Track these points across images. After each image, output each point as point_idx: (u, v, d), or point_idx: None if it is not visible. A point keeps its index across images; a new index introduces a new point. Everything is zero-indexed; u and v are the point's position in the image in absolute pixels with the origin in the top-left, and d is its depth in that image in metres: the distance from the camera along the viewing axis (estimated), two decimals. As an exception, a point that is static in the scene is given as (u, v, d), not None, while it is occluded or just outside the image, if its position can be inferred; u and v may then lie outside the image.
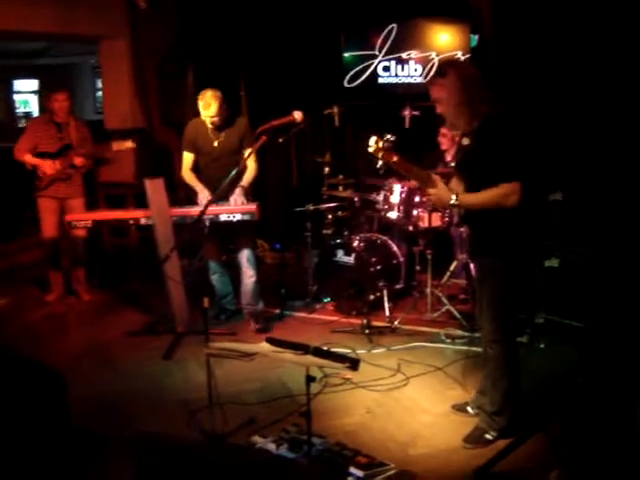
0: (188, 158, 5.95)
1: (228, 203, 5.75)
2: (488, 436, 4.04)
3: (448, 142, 6.46)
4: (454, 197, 3.87)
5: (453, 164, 4.20)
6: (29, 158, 6.50)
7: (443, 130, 6.46)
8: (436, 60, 7.53)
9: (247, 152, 5.64)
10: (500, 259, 3.89)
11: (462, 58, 7.12)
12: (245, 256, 5.94)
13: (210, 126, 5.77)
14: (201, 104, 5.68)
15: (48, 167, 6.45)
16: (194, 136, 5.90)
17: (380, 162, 4.06)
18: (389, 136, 4.08)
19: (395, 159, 4.01)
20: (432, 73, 4.10)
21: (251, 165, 5.81)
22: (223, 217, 5.69)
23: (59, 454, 3.27)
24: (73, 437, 3.48)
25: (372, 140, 4.03)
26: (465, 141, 3.94)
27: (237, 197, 5.75)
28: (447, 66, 3.94)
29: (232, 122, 5.87)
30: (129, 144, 6.62)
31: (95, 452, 4.03)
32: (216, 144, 5.82)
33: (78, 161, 6.51)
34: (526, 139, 4.01)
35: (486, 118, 3.78)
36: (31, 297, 6.98)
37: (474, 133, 3.84)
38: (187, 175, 5.95)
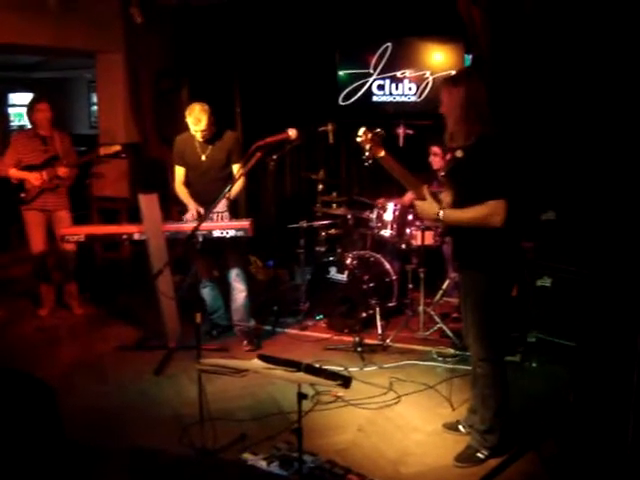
0: (179, 172, 5.96)
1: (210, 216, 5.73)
2: (480, 455, 4.04)
3: (440, 161, 6.47)
4: (441, 212, 3.90)
5: (443, 173, 4.22)
6: (14, 172, 6.47)
7: (434, 149, 6.48)
8: (430, 79, 7.58)
9: (238, 167, 5.67)
10: (483, 273, 3.91)
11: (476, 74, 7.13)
12: (234, 272, 5.93)
13: (200, 140, 5.78)
14: (191, 120, 5.67)
15: (34, 178, 6.43)
16: (182, 149, 5.91)
17: (367, 153, 4.10)
18: (378, 130, 4.13)
19: (382, 154, 4.06)
20: (447, 78, 4.10)
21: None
22: (216, 233, 5.69)
23: (53, 467, 3.26)
24: (68, 451, 3.47)
25: (361, 131, 4.09)
26: (459, 153, 3.96)
27: (219, 212, 5.78)
28: (462, 78, 3.95)
29: (221, 136, 5.88)
30: (116, 147, 6.61)
31: (91, 467, 4.02)
32: (204, 158, 5.83)
33: (62, 171, 6.49)
34: (518, 160, 4.03)
35: (481, 137, 3.81)
36: (23, 310, 6.96)
37: (468, 149, 3.87)
38: (180, 190, 5.96)
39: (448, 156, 5.35)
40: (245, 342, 5.97)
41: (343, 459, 4.03)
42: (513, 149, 3.94)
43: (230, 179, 5.53)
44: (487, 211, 3.74)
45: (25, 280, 7.55)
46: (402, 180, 4.13)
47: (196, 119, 5.65)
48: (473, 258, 3.95)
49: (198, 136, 5.74)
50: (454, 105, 3.86)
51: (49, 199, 6.57)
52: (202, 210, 5.75)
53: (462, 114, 3.82)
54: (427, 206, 4.00)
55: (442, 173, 5.19)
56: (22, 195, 6.51)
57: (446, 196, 4.03)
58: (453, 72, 6.90)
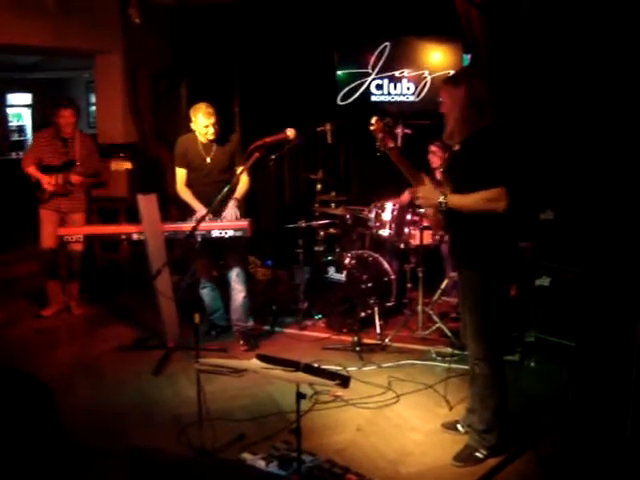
0: (181, 174, 5.95)
1: (220, 219, 5.75)
2: (478, 454, 4.03)
3: (438, 160, 6.47)
4: (442, 197, 3.89)
5: (442, 170, 4.23)
6: (33, 170, 6.53)
7: (433, 148, 6.48)
8: (429, 79, 7.58)
9: (239, 169, 5.67)
10: (481, 272, 3.91)
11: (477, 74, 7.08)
12: (235, 272, 5.94)
13: (210, 137, 5.77)
14: (201, 115, 5.69)
15: (47, 183, 6.46)
16: (184, 151, 5.91)
17: (378, 142, 4.14)
18: (388, 119, 4.17)
19: (391, 145, 4.09)
20: (447, 78, 4.12)
21: (243, 179, 5.82)
22: (215, 233, 5.69)
23: (52, 467, 3.26)
24: (66, 450, 3.47)
25: (373, 119, 4.14)
26: (456, 147, 3.98)
27: (231, 209, 5.76)
28: (462, 78, 3.97)
29: (223, 138, 5.89)
30: (127, 165, 6.61)
31: (90, 467, 4.02)
32: (209, 160, 5.84)
33: (75, 179, 6.53)
34: (517, 152, 4.04)
35: (479, 129, 3.82)
36: (23, 310, 6.96)
37: (465, 141, 3.89)
38: (183, 192, 5.94)
39: (446, 155, 5.37)
40: (242, 342, 5.97)
41: (342, 459, 4.03)
42: (512, 143, 3.94)
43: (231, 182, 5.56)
44: (490, 196, 3.74)
45: (27, 279, 7.57)
46: (407, 174, 4.13)
47: (207, 113, 5.68)
48: (471, 257, 3.95)
49: (210, 132, 5.75)
50: (455, 105, 3.87)
51: (62, 202, 6.62)
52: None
53: (463, 114, 3.83)
54: (430, 192, 3.98)
55: (440, 170, 5.19)
56: (38, 194, 6.55)
57: (442, 190, 4.03)
58: (452, 72, 6.95)
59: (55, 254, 6.73)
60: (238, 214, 5.81)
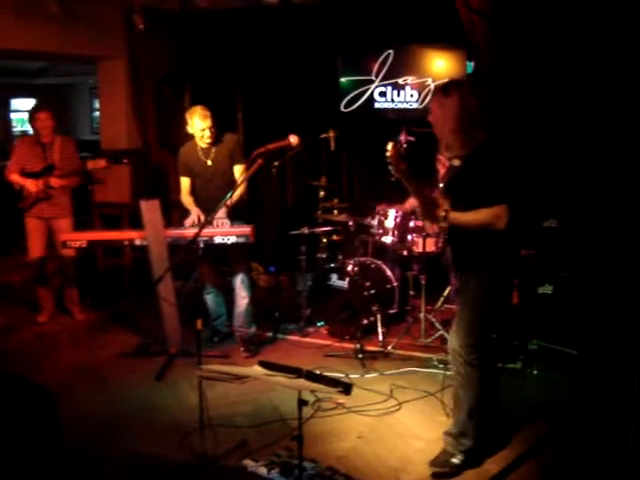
0: (185, 182, 5.96)
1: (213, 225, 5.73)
2: (455, 460, 4.00)
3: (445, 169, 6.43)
4: (442, 213, 3.90)
5: (441, 184, 4.22)
6: (15, 178, 6.47)
7: (441, 157, 6.43)
8: (432, 86, 7.58)
9: (240, 171, 5.67)
10: (481, 273, 3.91)
11: (467, 83, 7.07)
12: (239, 278, 5.95)
13: (207, 141, 5.77)
14: (196, 118, 5.67)
15: (31, 185, 6.41)
16: (186, 160, 5.91)
17: (393, 169, 4.05)
18: (400, 142, 4.11)
19: (401, 167, 4.03)
20: (437, 88, 4.09)
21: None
22: (218, 239, 5.69)
23: (52, 473, 3.26)
24: (67, 457, 3.47)
25: (389, 145, 3.98)
26: (456, 162, 3.97)
27: (219, 218, 5.74)
28: (452, 87, 3.93)
29: (222, 138, 5.89)
30: (102, 163, 6.59)
31: (91, 473, 4.02)
32: (209, 163, 5.83)
33: (53, 182, 6.44)
34: (518, 166, 4.03)
35: (478, 144, 3.82)
36: (23, 316, 6.95)
37: (465, 157, 3.88)
38: (186, 200, 5.95)
39: (447, 163, 5.36)
40: (242, 348, 5.96)
41: (343, 466, 4.03)
42: (511, 155, 3.94)
43: (233, 185, 5.54)
44: (491, 214, 3.76)
45: (23, 286, 7.56)
46: (416, 196, 4.08)
47: (203, 116, 5.67)
48: (472, 260, 3.95)
49: (206, 135, 5.74)
50: (447, 116, 3.85)
51: (45, 208, 6.55)
52: (202, 217, 5.73)
53: (457, 124, 3.82)
54: (432, 209, 3.98)
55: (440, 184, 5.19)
56: (21, 202, 6.51)
57: (442, 204, 4.02)
58: (443, 81, 6.94)
59: (43, 262, 6.71)
60: (227, 223, 5.79)
